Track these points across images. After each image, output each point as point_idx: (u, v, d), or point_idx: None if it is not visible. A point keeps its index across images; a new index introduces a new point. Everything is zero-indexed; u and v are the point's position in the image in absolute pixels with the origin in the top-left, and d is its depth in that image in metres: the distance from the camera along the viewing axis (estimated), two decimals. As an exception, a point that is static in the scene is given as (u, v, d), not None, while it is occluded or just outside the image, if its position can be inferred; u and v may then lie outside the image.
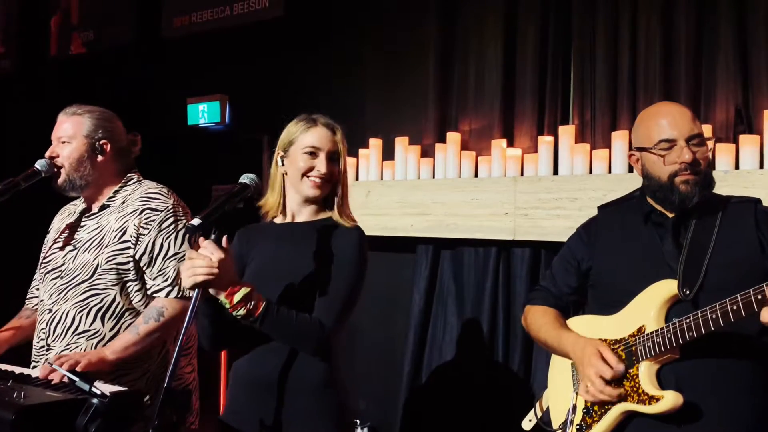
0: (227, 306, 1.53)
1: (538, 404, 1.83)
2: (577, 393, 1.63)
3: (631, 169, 2.86)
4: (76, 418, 1.36)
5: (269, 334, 1.61)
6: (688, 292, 1.52)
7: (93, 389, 1.29)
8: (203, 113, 4.47)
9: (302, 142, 1.75)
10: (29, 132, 5.15)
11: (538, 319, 1.76)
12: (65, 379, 1.58)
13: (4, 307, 2.43)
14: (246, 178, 1.61)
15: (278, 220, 1.82)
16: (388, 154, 3.53)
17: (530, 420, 1.84)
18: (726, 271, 1.53)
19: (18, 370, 1.74)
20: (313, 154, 1.74)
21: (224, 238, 1.53)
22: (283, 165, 1.77)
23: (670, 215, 1.63)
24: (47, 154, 1.93)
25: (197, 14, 4.40)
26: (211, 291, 1.52)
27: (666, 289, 1.54)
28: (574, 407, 1.61)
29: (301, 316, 1.62)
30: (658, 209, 1.65)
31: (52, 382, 1.59)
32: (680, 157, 1.57)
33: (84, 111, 1.96)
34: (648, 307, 1.55)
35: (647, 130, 1.63)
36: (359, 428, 3.54)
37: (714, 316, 1.41)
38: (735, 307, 1.38)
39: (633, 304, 1.58)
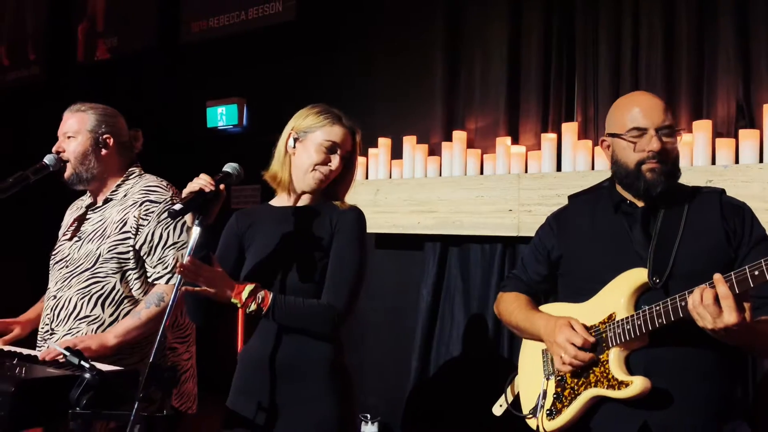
0: (239, 305, 1.63)
1: (509, 389, 1.85)
2: (547, 378, 1.66)
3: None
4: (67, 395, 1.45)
5: (282, 323, 1.69)
6: (657, 280, 1.55)
7: (82, 363, 1.38)
8: (222, 116, 4.59)
9: (323, 135, 1.78)
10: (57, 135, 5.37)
11: (510, 305, 1.80)
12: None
13: (21, 294, 2.56)
14: (229, 167, 1.69)
15: (277, 203, 1.87)
16: (396, 152, 3.59)
17: (501, 405, 1.87)
18: (694, 259, 1.55)
19: (25, 351, 1.86)
20: (330, 150, 1.79)
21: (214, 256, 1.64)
22: (294, 147, 1.81)
23: (640, 204, 1.65)
24: (54, 149, 2.05)
25: (214, 19, 4.53)
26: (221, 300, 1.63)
27: (636, 277, 1.57)
28: (545, 393, 1.65)
29: (309, 301, 1.69)
30: (627, 198, 1.68)
31: (50, 360, 1.70)
32: (649, 146, 1.59)
33: (87, 108, 2.08)
34: (618, 295, 1.57)
35: (620, 117, 1.66)
36: (369, 423, 3.59)
37: (683, 304, 1.43)
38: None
39: (603, 292, 1.61)
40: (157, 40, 4.94)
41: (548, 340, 1.65)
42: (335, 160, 1.79)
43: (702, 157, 2.67)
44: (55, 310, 1.98)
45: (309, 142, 1.79)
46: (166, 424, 1.38)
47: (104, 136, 2.05)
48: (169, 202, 1.98)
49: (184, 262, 1.52)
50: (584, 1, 3.15)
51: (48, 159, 2.01)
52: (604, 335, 1.57)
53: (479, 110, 3.45)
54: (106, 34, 5.28)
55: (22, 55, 5.94)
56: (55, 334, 1.96)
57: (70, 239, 2.05)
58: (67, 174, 2.03)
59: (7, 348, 1.86)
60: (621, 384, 1.51)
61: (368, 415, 3.58)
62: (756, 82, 2.70)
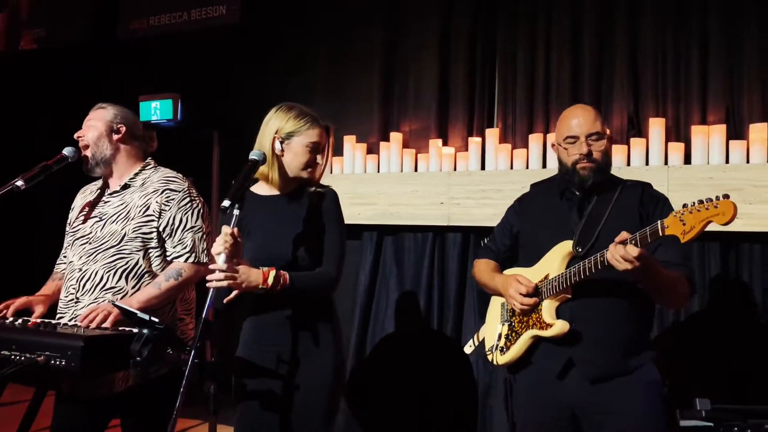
0: (267, 290, 1.92)
1: (476, 335, 2.36)
2: (502, 324, 2.16)
3: (544, 165, 3.45)
4: (122, 349, 1.74)
5: (299, 294, 2.01)
6: (580, 249, 2.02)
7: (152, 318, 1.68)
8: (155, 110, 4.74)
9: (306, 138, 2.08)
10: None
11: (480, 267, 2.30)
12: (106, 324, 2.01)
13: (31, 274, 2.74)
14: (255, 155, 1.98)
15: (262, 191, 2.15)
16: (337, 150, 3.97)
17: (470, 346, 2.40)
18: (613, 235, 1.93)
19: (54, 321, 2.11)
20: (314, 150, 2.11)
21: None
22: (282, 150, 2.10)
23: (578, 193, 2.12)
24: (76, 134, 2.31)
25: (155, 18, 4.68)
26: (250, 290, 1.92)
27: (564, 247, 2.05)
28: (500, 335, 2.15)
29: (311, 273, 2.06)
30: (570, 189, 2.14)
31: (95, 325, 1.98)
32: (579, 150, 2.06)
33: (108, 105, 2.36)
34: (553, 261, 2.06)
35: (560, 128, 2.13)
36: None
37: (589, 265, 1.91)
38: (601, 259, 1.88)
39: (544, 259, 2.10)
40: (92, 34, 5.00)
41: (504, 293, 2.13)
42: (319, 158, 2.13)
43: (601, 161, 3.26)
44: (81, 281, 2.22)
45: (295, 145, 2.09)
46: (215, 369, 1.71)
47: (118, 125, 2.33)
48: (187, 191, 2.28)
49: (232, 233, 1.82)
50: (505, 27, 3.71)
51: (67, 151, 2.25)
52: (540, 290, 2.06)
53: (413, 115, 3.91)
54: (32, 24, 5.27)
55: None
56: (80, 302, 2.20)
57: (86, 220, 2.29)
58: (88, 160, 2.28)
59: (42, 319, 2.11)
60: (548, 325, 2.00)
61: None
62: (643, 100, 3.34)
